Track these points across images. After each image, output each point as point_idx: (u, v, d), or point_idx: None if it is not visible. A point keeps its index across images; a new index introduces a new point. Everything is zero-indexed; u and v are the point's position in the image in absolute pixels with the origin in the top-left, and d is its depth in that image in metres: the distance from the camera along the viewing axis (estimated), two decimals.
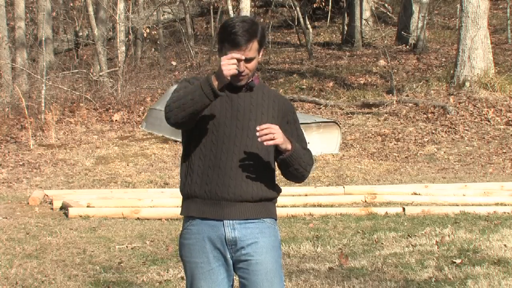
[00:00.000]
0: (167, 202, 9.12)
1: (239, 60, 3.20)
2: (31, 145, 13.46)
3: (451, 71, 16.60)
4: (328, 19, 25.28)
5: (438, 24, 24.25)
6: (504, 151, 12.95)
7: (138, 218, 8.54)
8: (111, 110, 16.01)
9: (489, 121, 14.45)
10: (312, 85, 18.05)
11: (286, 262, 6.37)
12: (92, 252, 6.97)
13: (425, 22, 20.70)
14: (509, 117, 14.57)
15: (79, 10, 23.76)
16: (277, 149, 3.26)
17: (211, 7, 23.79)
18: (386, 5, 26.19)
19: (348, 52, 21.73)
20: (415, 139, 13.74)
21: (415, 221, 8.17)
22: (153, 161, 12.48)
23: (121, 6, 18.55)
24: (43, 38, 17.52)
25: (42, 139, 14.10)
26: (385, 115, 15.17)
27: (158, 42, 23.23)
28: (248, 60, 3.23)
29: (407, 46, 21.51)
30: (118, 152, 13.09)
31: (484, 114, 14.67)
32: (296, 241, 7.23)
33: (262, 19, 25.47)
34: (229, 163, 3.22)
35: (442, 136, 13.86)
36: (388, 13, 25.96)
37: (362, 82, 18.27)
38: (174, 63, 21.35)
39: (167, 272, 6.17)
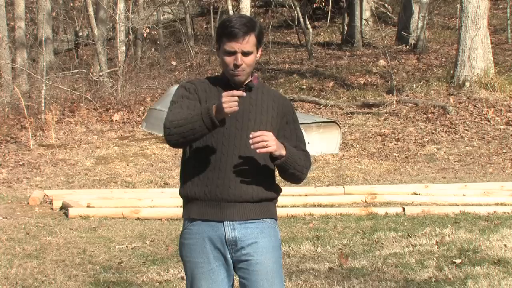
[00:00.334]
0: (167, 202, 9.13)
1: (236, 66, 3.20)
2: (31, 145, 13.46)
3: (451, 71, 16.60)
4: (328, 19, 25.27)
5: (438, 24, 24.25)
6: (504, 151, 12.95)
7: (138, 218, 8.54)
8: (111, 110, 16.01)
9: (489, 121, 14.45)
10: (312, 85, 18.05)
11: (286, 262, 6.37)
12: (92, 252, 6.97)
13: (425, 22, 20.70)
14: (509, 117, 14.57)
15: (79, 10, 23.75)
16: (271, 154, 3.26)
17: (211, 7, 23.78)
18: (386, 5, 26.18)
19: (348, 52, 21.72)
20: (415, 139, 13.74)
21: (415, 221, 8.17)
22: (153, 161, 12.48)
23: (121, 6, 18.54)
24: (43, 38, 17.52)
25: (42, 139, 14.10)
26: (385, 115, 15.17)
27: (158, 42, 23.22)
28: (245, 54, 3.22)
29: (407, 46, 21.51)
30: (118, 152, 13.09)
31: (484, 114, 14.67)
32: (296, 241, 7.23)
33: (262, 19, 25.47)
34: (229, 164, 3.22)
35: (442, 136, 13.86)
36: (388, 13, 25.95)
37: (362, 82, 18.27)
38: (174, 63, 21.35)
39: (167, 272, 6.17)
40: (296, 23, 23.19)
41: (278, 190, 3.36)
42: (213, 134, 3.22)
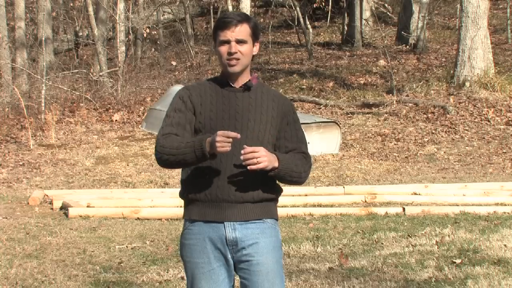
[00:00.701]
0: (167, 202, 9.13)
1: (230, 54, 3.20)
2: (31, 145, 13.46)
3: (451, 71, 16.60)
4: (328, 19, 25.27)
5: (438, 24, 24.25)
6: (504, 151, 12.95)
7: (138, 218, 8.54)
8: (111, 110, 16.01)
9: (489, 121, 14.45)
10: (312, 85, 18.05)
11: (286, 262, 6.37)
12: (92, 252, 6.97)
13: (425, 22, 20.70)
14: (509, 117, 14.57)
15: (79, 10, 23.76)
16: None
17: (211, 7, 23.79)
18: (386, 5, 26.18)
19: (348, 52, 21.73)
20: (415, 139, 13.74)
21: (415, 221, 8.17)
22: (153, 161, 12.47)
23: (121, 6, 18.55)
24: (43, 38, 17.52)
25: (42, 139, 14.11)
26: (385, 115, 15.17)
27: (158, 42, 23.23)
28: (240, 42, 3.23)
29: (407, 46, 21.51)
30: (118, 152, 13.09)
31: (484, 114, 14.67)
32: (296, 241, 7.23)
33: (262, 19, 25.48)
34: (229, 165, 3.21)
35: (442, 136, 13.86)
36: (388, 13, 25.95)
37: (362, 82, 18.27)
38: (174, 63, 21.35)
39: (167, 272, 6.17)
40: (296, 23, 23.19)
41: (278, 190, 3.36)
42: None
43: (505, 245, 6.83)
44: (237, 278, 3.33)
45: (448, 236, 7.31)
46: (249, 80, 3.32)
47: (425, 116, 14.89)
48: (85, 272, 6.26)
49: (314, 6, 23.79)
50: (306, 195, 9.49)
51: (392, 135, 14.02)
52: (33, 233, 7.76)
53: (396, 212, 8.61)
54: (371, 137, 13.96)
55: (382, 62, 19.61)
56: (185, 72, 20.08)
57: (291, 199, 9.09)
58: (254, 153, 3.10)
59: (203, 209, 3.26)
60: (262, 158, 3.11)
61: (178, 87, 14.50)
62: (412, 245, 6.99)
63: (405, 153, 12.97)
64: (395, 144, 13.53)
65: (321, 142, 12.68)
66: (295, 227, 7.94)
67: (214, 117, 3.25)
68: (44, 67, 16.27)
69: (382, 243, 7.11)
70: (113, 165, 12.23)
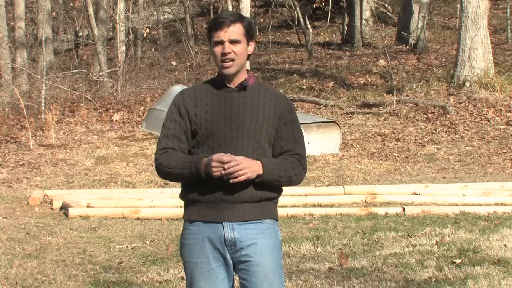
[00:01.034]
0: (167, 202, 9.13)
1: (223, 55, 3.22)
2: (31, 145, 13.46)
3: (451, 71, 16.60)
4: (328, 19, 25.27)
5: (438, 24, 24.25)
6: (504, 151, 12.95)
7: (138, 218, 8.54)
8: (111, 110, 16.02)
9: (489, 121, 14.45)
10: (312, 85, 18.05)
11: (286, 262, 6.37)
12: (92, 252, 6.97)
13: (425, 22, 20.70)
14: (509, 117, 14.57)
15: (79, 10, 23.77)
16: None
17: (211, 7, 23.80)
18: (386, 5, 26.18)
19: (348, 52, 21.73)
20: (415, 139, 13.74)
21: (415, 221, 8.17)
22: (153, 161, 12.46)
23: (121, 6, 18.55)
24: (43, 38, 17.52)
25: (42, 139, 14.11)
26: (385, 115, 15.17)
27: (158, 42, 23.23)
28: (233, 42, 3.24)
29: (407, 46, 21.51)
30: (118, 152, 13.09)
31: (484, 114, 14.67)
32: (296, 241, 7.22)
33: (262, 19, 25.49)
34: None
35: (442, 136, 13.86)
36: (388, 13, 25.96)
37: (362, 82, 18.28)
38: (174, 63, 21.35)
39: (167, 272, 6.17)
40: (296, 23, 23.19)
41: (278, 190, 3.35)
42: (209, 137, 3.24)
43: (505, 245, 6.83)
44: (237, 278, 3.33)
45: (448, 236, 7.31)
46: (245, 79, 3.32)
47: (425, 116, 14.89)
48: (85, 272, 6.26)
49: (314, 6, 23.79)
50: (306, 195, 9.49)
51: (392, 135, 14.02)
52: (33, 233, 7.76)
53: (396, 212, 8.61)
54: (371, 137, 13.96)
55: (382, 62, 19.62)
56: (185, 72, 20.08)
57: (291, 199, 9.09)
58: (235, 167, 3.12)
59: (202, 210, 3.26)
60: (243, 170, 3.14)
61: (178, 87, 14.52)
62: (412, 245, 6.99)
63: (405, 153, 12.97)
64: (395, 144, 13.53)
65: (321, 142, 12.68)
66: (295, 227, 7.94)
67: (210, 118, 3.25)
68: (44, 67, 16.27)
69: (382, 243, 7.11)
70: (113, 165, 12.23)
